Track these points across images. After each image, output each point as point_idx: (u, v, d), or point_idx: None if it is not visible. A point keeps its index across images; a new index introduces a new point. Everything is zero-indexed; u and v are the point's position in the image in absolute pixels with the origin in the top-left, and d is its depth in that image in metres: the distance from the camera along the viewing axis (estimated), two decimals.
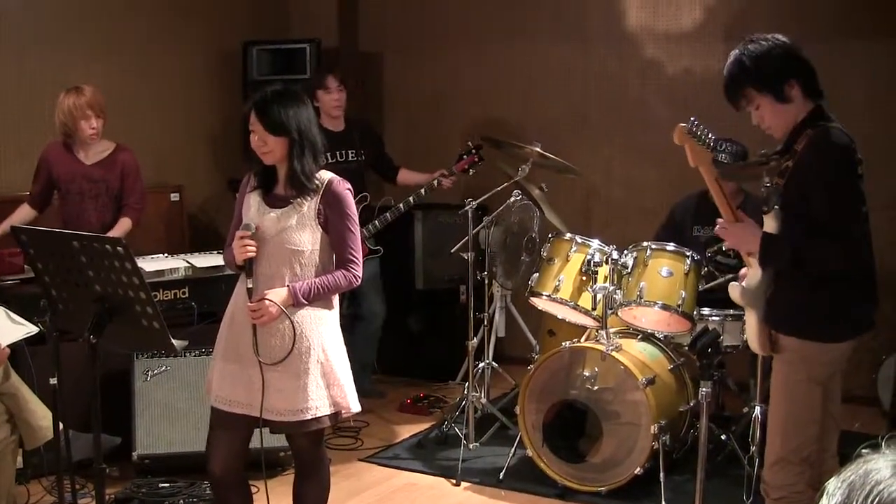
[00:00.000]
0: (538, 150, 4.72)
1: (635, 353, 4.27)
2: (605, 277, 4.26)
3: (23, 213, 4.83)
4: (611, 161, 6.14)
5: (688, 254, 4.18)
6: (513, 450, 4.43)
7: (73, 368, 3.77)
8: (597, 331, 4.38)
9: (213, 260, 4.79)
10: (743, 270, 3.07)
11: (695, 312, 4.19)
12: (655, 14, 5.97)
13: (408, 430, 5.13)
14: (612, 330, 4.31)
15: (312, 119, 3.18)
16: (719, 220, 2.97)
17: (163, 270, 4.68)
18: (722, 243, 3.13)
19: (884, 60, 5.37)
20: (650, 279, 4.16)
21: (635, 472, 4.08)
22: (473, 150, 5.22)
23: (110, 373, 4.13)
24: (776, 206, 2.87)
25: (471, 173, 5.25)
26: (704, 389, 3.03)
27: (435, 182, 5.18)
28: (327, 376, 3.13)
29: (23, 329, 3.57)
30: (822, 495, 1.19)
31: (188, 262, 4.79)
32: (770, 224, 2.89)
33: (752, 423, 4.14)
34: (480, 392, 5.02)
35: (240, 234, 3.12)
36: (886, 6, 5.35)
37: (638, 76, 6.03)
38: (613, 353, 4.13)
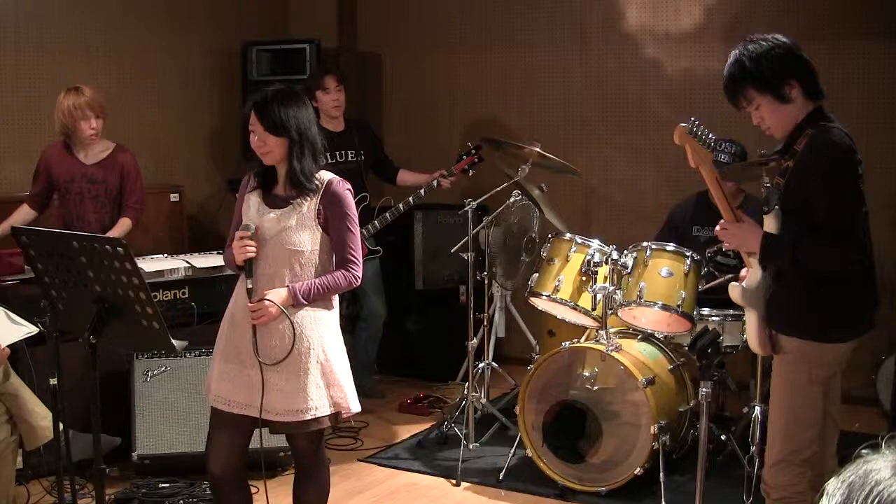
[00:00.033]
0: (538, 150, 4.72)
1: (635, 353, 4.27)
2: (605, 277, 4.26)
3: (23, 214, 4.83)
4: (610, 161, 6.14)
5: (688, 254, 4.18)
6: (513, 450, 4.43)
7: (73, 368, 3.77)
8: (597, 331, 4.38)
9: (213, 260, 4.79)
10: (743, 271, 3.07)
11: (695, 313, 4.19)
12: (655, 14, 5.97)
13: (408, 431, 5.13)
14: (611, 330, 4.31)
15: (312, 119, 3.17)
16: (721, 221, 2.97)
17: (163, 270, 4.68)
18: (722, 243, 3.12)
19: (881, 61, 5.37)
20: (650, 279, 4.16)
21: (635, 472, 4.08)
22: (473, 151, 5.22)
23: (110, 373, 4.14)
24: (776, 207, 2.87)
25: (470, 174, 5.25)
26: (704, 390, 3.02)
27: (434, 182, 5.18)
28: (327, 376, 3.13)
29: (23, 329, 3.57)
30: (822, 496, 1.19)
31: (188, 262, 4.79)
32: (770, 224, 2.89)
33: (752, 424, 4.15)
34: (480, 392, 5.02)
35: (239, 235, 3.12)
36: (883, 7, 5.35)
37: (637, 76, 6.03)
38: (613, 354, 4.13)
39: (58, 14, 5.59)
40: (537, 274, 4.48)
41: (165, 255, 5.05)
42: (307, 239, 3.11)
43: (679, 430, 4.31)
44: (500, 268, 5.26)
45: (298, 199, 3.13)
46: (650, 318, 4.32)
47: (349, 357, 3.27)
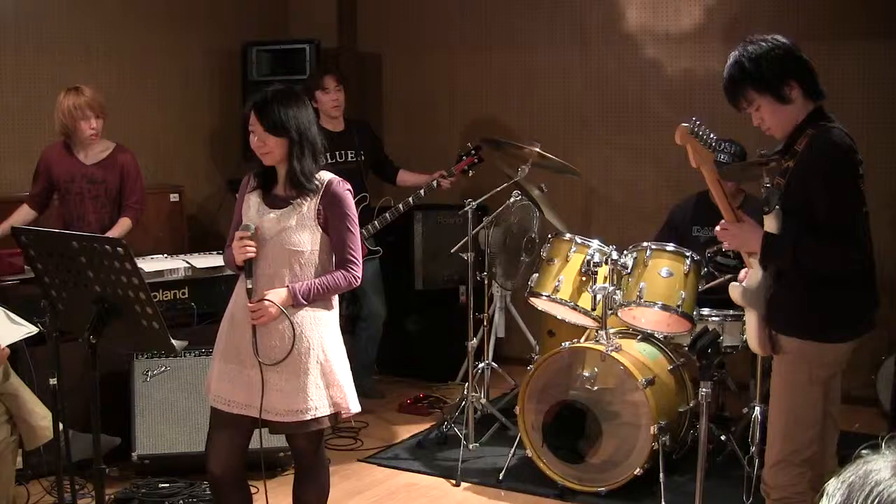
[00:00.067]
0: (538, 150, 4.72)
1: (635, 353, 4.27)
2: (605, 278, 4.26)
3: (22, 214, 4.83)
4: (610, 161, 6.14)
5: (687, 254, 4.18)
6: (512, 450, 4.43)
7: (73, 368, 3.77)
8: (596, 331, 4.38)
9: (213, 260, 4.79)
10: (743, 272, 3.07)
11: (694, 313, 4.19)
12: (654, 14, 5.97)
13: (407, 431, 5.13)
14: (611, 330, 4.31)
15: (312, 119, 3.18)
16: (721, 221, 2.96)
17: (162, 271, 4.68)
18: (721, 244, 3.12)
19: (881, 61, 5.38)
20: (650, 279, 4.16)
21: (635, 472, 4.08)
22: (472, 151, 5.22)
23: (110, 373, 4.14)
24: (777, 207, 2.87)
25: (470, 174, 5.25)
26: (704, 390, 3.02)
27: (434, 183, 5.18)
28: (327, 377, 3.13)
29: (22, 329, 3.57)
30: (822, 496, 1.19)
31: (188, 262, 4.79)
32: (771, 224, 2.89)
33: (752, 424, 4.16)
34: (480, 392, 5.02)
35: (239, 235, 3.12)
36: (883, 7, 5.35)
37: (637, 77, 6.03)
38: (613, 354, 4.13)
39: (58, 14, 5.59)
40: (537, 274, 4.48)
41: (165, 255, 5.05)
42: (307, 239, 3.11)
43: (679, 430, 4.31)
44: (499, 268, 5.26)
45: (298, 200, 3.13)
46: (650, 319, 4.32)
47: (349, 357, 3.27)
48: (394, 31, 6.86)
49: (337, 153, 5.29)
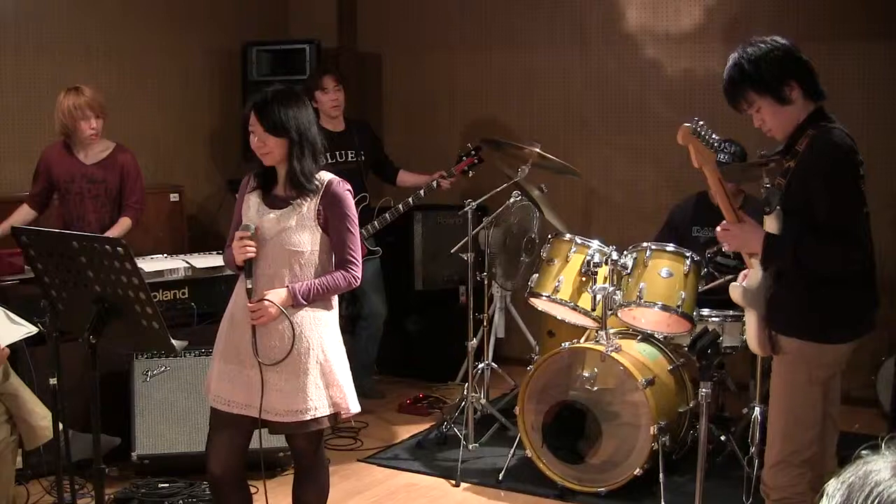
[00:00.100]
0: (538, 150, 4.72)
1: (635, 353, 4.27)
2: (605, 278, 4.26)
3: (23, 214, 4.83)
4: (610, 162, 6.14)
5: (687, 254, 4.18)
6: (512, 450, 4.43)
7: (73, 368, 3.77)
8: (596, 331, 4.38)
9: (213, 260, 4.79)
10: (743, 272, 3.07)
11: (694, 313, 4.19)
12: (654, 15, 5.97)
13: (407, 431, 5.13)
14: (611, 331, 4.31)
15: (312, 120, 3.17)
16: (722, 222, 2.96)
17: (162, 271, 4.68)
18: (721, 244, 3.12)
19: (881, 62, 5.38)
20: (650, 280, 4.16)
21: (635, 472, 4.08)
22: (472, 152, 5.22)
23: (110, 373, 4.13)
24: (778, 207, 2.87)
25: (470, 175, 5.25)
26: (704, 390, 3.03)
27: (434, 183, 5.18)
28: (326, 377, 3.13)
29: (22, 329, 3.57)
30: (821, 496, 1.19)
31: (188, 262, 4.79)
32: (771, 225, 2.89)
33: (752, 424, 4.16)
34: (480, 393, 5.02)
35: (239, 235, 3.12)
36: (884, 8, 5.35)
37: (637, 77, 6.03)
38: (613, 354, 4.13)
39: (58, 14, 5.59)
40: (537, 274, 4.48)
41: (165, 255, 5.05)
42: (307, 239, 3.11)
43: (679, 430, 4.31)
44: (499, 268, 5.26)
45: (298, 200, 3.13)
46: (650, 319, 4.32)
47: (349, 357, 3.27)
48: (394, 31, 6.86)
49: (337, 153, 5.29)
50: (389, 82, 6.95)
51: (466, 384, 4.85)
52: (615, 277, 4.24)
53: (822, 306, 2.87)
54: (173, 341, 2.93)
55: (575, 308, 4.37)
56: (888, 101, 5.35)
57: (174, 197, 5.90)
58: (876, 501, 1.13)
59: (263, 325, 3.08)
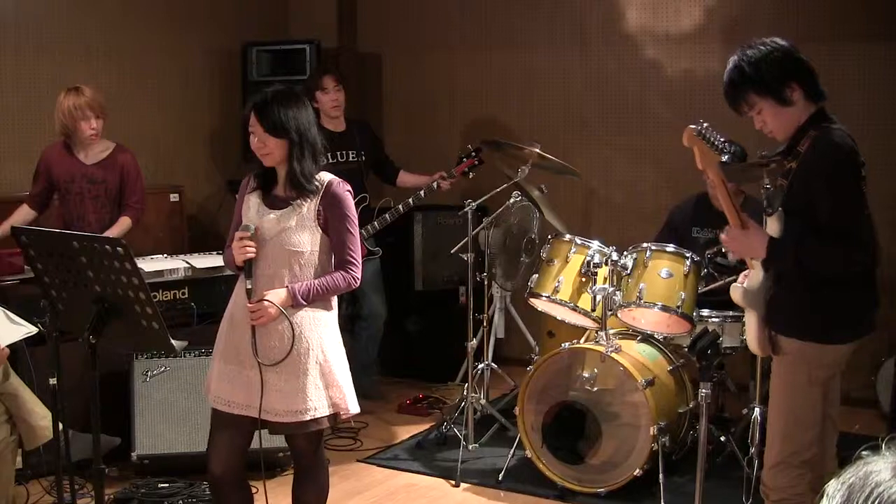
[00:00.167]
0: (538, 150, 4.72)
1: (635, 354, 4.27)
2: (605, 279, 4.26)
3: (23, 214, 4.83)
4: (610, 162, 6.14)
5: (687, 255, 4.19)
6: (512, 451, 4.43)
7: (72, 368, 3.77)
8: (596, 332, 4.38)
9: (213, 260, 4.79)
10: (744, 272, 3.07)
11: (694, 314, 4.19)
12: (654, 15, 5.97)
13: (407, 431, 5.13)
14: (611, 331, 4.31)
15: (312, 120, 3.17)
16: (726, 227, 2.96)
17: (162, 271, 4.68)
18: (721, 245, 3.12)
19: (881, 63, 5.38)
20: (650, 280, 4.16)
21: (634, 473, 4.08)
22: (473, 153, 5.21)
23: (110, 373, 4.13)
24: (780, 208, 2.87)
25: (470, 176, 5.25)
26: (704, 391, 3.03)
27: (434, 184, 5.18)
28: (326, 377, 3.13)
29: (22, 329, 3.57)
30: (821, 497, 1.19)
31: (188, 262, 4.79)
32: (773, 226, 2.89)
33: (752, 425, 4.16)
34: (480, 393, 5.02)
35: (239, 235, 3.12)
36: (884, 9, 5.35)
37: (637, 77, 6.03)
38: (613, 355, 4.13)
39: (58, 14, 5.59)
40: (537, 275, 4.48)
41: (165, 255, 5.05)
42: (307, 240, 3.11)
43: (678, 431, 4.31)
44: (499, 269, 5.26)
45: (298, 200, 3.13)
46: (650, 320, 4.32)
47: (349, 357, 3.28)
48: (394, 31, 6.86)
49: (338, 153, 5.28)
50: (389, 82, 6.95)
51: (466, 384, 4.85)
52: (615, 278, 4.24)
53: (823, 307, 2.87)
54: (173, 341, 2.93)
55: (575, 308, 4.37)
56: (888, 102, 5.35)
57: (174, 197, 5.90)
58: (876, 502, 1.13)
59: (263, 326, 3.08)
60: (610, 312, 4.28)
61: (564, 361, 4.27)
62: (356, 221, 3.20)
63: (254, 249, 3.10)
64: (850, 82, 5.29)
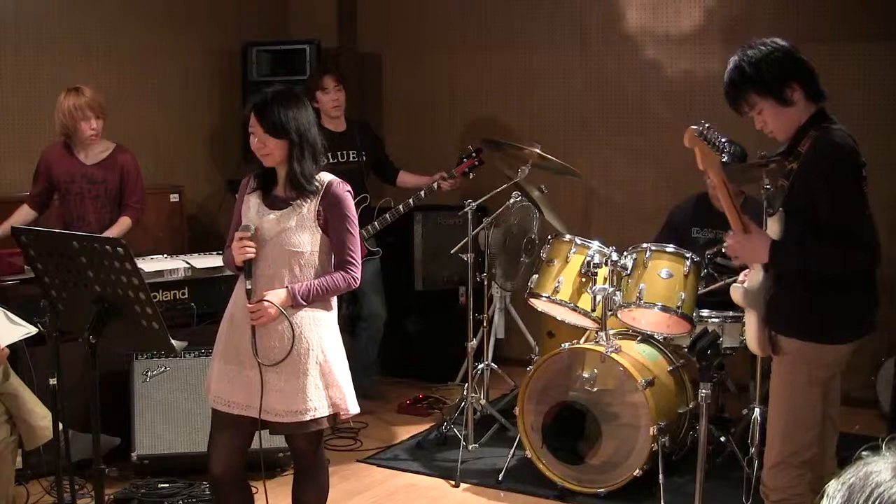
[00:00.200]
0: (538, 151, 4.72)
1: (635, 354, 4.27)
2: (605, 279, 4.26)
3: (23, 214, 4.83)
4: (610, 163, 6.14)
5: (687, 255, 4.19)
6: (512, 451, 4.43)
7: (72, 368, 3.77)
8: (596, 332, 4.38)
9: (213, 261, 4.79)
10: (744, 273, 3.07)
11: (694, 314, 4.19)
12: (655, 16, 5.97)
13: (407, 431, 5.13)
14: (611, 331, 4.31)
15: (312, 120, 3.17)
16: (729, 232, 2.95)
17: (162, 271, 4.68)
18: (721, 245, 3.12)
19: (882, 63, 5.38)
20: (650, 281, 4.16)
21: (634, 473, 4.08)
22: (473, 154, 5.21)
23: (110, 373, 4.13)
24: (780, 208, 2.87)
25: (470, 177, 5.24)
26: (704, 391, 3.03)
27: (434, 185, 5.18)
28: (326, 377, 3.13)
29: (22, 330, 3.57)
30: (821, 497, 1.19)
31: (188, 262, 4.79)
32: (773, 226, 2.89)
33: (752, 425, 4.16)
34: (480, 393, 5.02)
35: (239, 236, 3.12)
36: (884, 9, 5.35)
37: (637, 78, 6.03)
38: (613, 355, 4.13)
39: (58, 14, 5.59)
40: (537, 275, 4.48)
41: (165, 255, 5.05)
42: (307, 240, 3.11)
43: (678, 431, 4.31)
44: (499, 269, 5.26)
45: (298, 201, 3.13)
46: (650, 320, 4.32)
47: (349, 358, 3.28)
48: (394, 31, 6.86)
49: (339, 153, 5.28)
50: (389, 82, 6.94)
51: (466, 385, 4.85)
52: (615, 278, 4.24)
53: (823, 307, 2.87)
54: (173, 341, 2.93)
55: (575, 309, 4.37)
56: (888, 102, 5.35)
57: (174, 197, 5.90)
58: (877, 502, 1.13)
59: (263, 326, 3.08)
60: (610, 313, 4.28)
61: (564, 362, 4.27)
62: (356, 222, 3.20)
63: (254, 250, 3.09)
64: (850, 82, 5.29)
